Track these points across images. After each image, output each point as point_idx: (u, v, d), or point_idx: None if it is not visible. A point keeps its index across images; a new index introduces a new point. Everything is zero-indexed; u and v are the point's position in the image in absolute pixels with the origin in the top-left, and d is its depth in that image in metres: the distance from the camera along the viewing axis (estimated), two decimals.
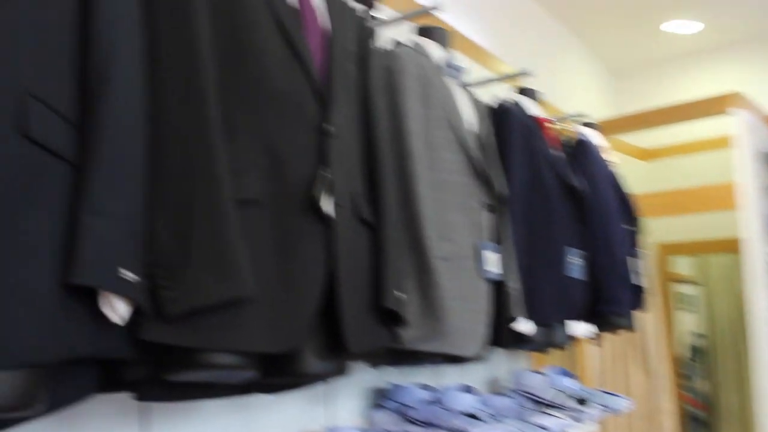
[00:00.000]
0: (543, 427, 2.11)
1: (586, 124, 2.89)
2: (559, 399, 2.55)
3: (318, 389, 1.83)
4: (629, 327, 2.60)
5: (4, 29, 0.81)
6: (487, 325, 1.76)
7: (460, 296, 1.71)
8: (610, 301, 2.47)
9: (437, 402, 2.05)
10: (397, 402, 2.02)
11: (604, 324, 2.56)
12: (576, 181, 2.35)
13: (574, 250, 2.26)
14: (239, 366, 1.11)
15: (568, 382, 2.74)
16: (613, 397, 2.71)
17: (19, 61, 0.83)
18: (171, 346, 1.06)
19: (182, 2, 1.16)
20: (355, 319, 1.26)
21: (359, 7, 1.58)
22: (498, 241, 1.86)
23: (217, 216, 1.08)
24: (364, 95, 1.48)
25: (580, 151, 2.64)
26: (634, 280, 2.67)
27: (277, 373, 1.21)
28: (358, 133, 1.43)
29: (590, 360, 3.45)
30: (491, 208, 1.84)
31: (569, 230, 2.29)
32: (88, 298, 0.87)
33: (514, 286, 1.96)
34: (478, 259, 1.78)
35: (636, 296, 2.72)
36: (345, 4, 1.54)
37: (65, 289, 0.83)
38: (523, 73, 2.45)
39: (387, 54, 1.75)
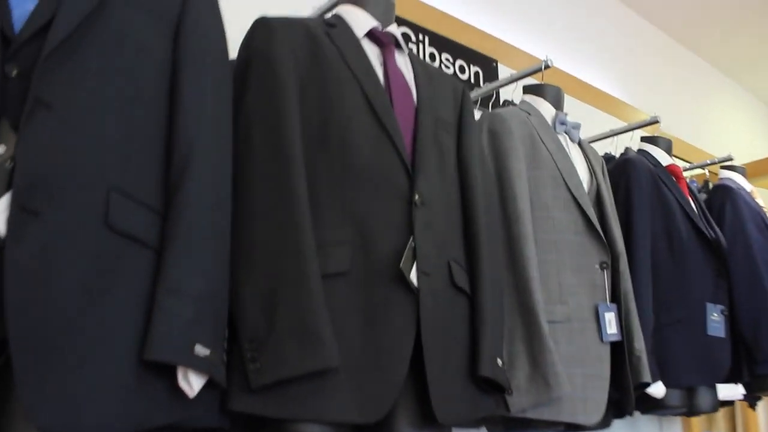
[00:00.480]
0: None
1: (730, 168, 2.70)
2: None
3: None
4: None
5: (93, 127, 0.91)
6: (607, 391, 1.66)
7: (575, 361, 1.64)
8: (765, 361, 2.26)
9: None
10: None
11: (760, 386, 2.34)
12: (710, 231, 2.19)
13: (717, 306, 2.10)
14: None
15: None
16: None
17: (106, 156, 0.92)
18: (263, 417, 1.10)
19: (271, 84, 1.24)
20: (445, 388, 1.24)
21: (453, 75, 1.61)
22: (618, 301, 1.76)
23: (302, 290, 1.12)
24: (462, 162, 1.48)
25: (720, 198, 2.46)
26: None
27: None
28: (454, 201, 1.43)
29: (755, 424, 3.15)
30: (609, 267, 1.75)
31: (709, 284, 2.13)
32: (167, 372, 0.94)
33: (639, 347, 1.84)
34: (597, 321, 1.70)
35: None
36: (440, 72, 1.57)
37: (143, 364, 0.90)
38: (653, 121, 2.35)
39: (491, 116, 1.75)
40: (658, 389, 1.97)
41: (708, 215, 2.28)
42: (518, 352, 1.58)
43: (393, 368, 1.19)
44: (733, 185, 2.58)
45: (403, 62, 1.47)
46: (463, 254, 1.42)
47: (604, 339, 1.69)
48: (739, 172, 2.74)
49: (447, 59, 2.27)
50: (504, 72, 2.45)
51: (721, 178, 2.74)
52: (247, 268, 1.15)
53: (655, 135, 2.34)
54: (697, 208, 2.27)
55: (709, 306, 2.10)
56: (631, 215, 2.08)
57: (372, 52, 1.42)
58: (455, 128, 1.51)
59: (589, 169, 1.87)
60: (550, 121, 1.86)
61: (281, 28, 1.32)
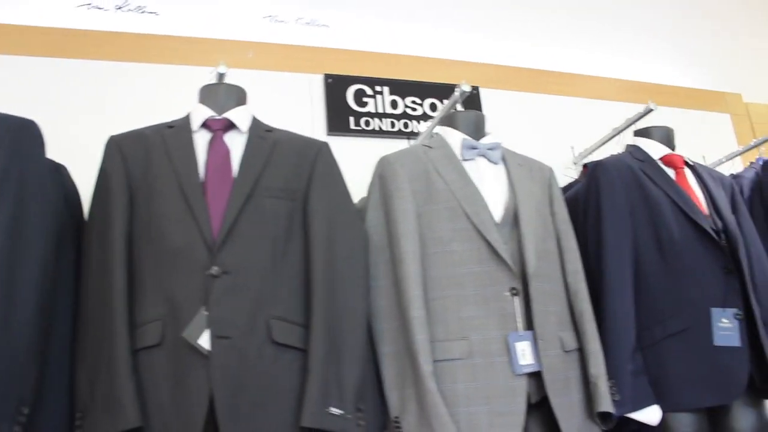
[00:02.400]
0: None
1: None
2: None
3: None
4: None
5: None
6: (522, 426, 1.56)
7: (478, 398, 1.57)
8: None
9: None
10: None
11: None
12: (716, 222, 1.90)
13: (727, 311, 1.82)
14: None
15: None
16: None
17: None
18: None
19: (104, 194, 1.50)
20: None
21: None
22: (531, 325, 1.64)
23: (111, 368, 1.35)
24: (305, 220, 1.57)
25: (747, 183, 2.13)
26: None
27: None
28: (290, 262, 1.52)
29: None
30: (521, 293, 1.65)
31: (718, 286, 1.85)
32: None
33: (595, 372, 1.69)
34: (508, 354, 1.61)
35: None
36: (291, 138, 1.68)
37: None
38: (647, 111, 2.12)
39: (380, 161, 1.78)
40: (649, 415, 1.76)
41: (719, 203, 1.97)
42: (409, 395, 1.57)
43: (190, 426, 1.32)
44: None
45: (240, 142, 1.61)
46: (303, 311, 1.50)
47: (516, 371, 1.59)
48: None
49: (413, 102, 2.30)
50: (486, 96, 2.40)
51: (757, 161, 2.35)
52: (79, 351, 1.42)
53: (650, 126, 2.11)
54: (706, 196, 1.99)
55: (716, 311, 1.81)
56: (601, 225, 1.91)
57: (203, 140, 1.60)
58: (301, 192, 1.59)
59: (510, 189, 1.78)
60: (457, 150, 1.81)
61: (123, 141, 1.57)
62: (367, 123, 2.21)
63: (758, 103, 2.92)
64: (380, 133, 2.22)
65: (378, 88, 2.27)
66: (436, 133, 1.90)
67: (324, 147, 1.69)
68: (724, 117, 2.79)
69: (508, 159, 1.85)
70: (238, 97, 1.72)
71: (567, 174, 2.16)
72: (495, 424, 1.55)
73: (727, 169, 2.47)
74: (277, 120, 2.08)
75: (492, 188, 1.77)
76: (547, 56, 2.60)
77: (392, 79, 2.30)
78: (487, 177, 1.78)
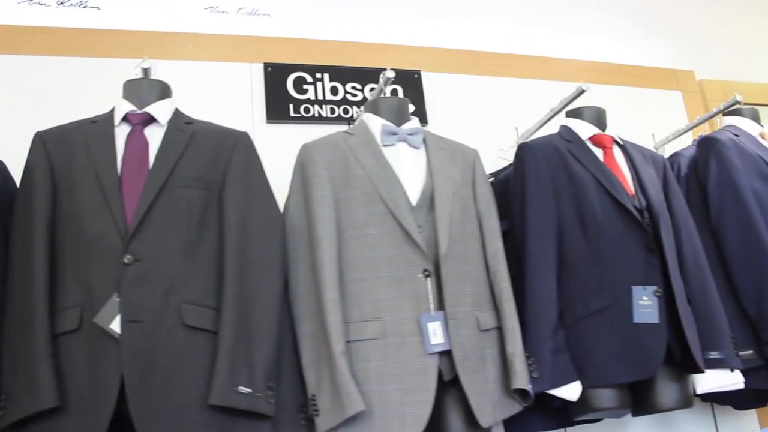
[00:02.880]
0: None
1: (734, 112, 2.32)
2: None
3: None
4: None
5: None
6: (432, 403, 1.62)
7: (390, 377, 1.63)
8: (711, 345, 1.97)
9: None
10: None
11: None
12: (639, 202, 1.94)
13: (647, 288, 1.86)
14: None
15: None
16: None
17: None
18: None
19: (28, 188, 1.58)
20: (162, 420, 1.42)
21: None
22: (443, 306, 1.69)
23: (30, 351, 1.44)
24: (220, 210, 1.64)
25: (704, 154, 2.22)
26: None
27: None
28: (204, 249, 1.58)
29: None
30: (433, 274, 1.70)
31: (639, 264, 1.89)
32: None
33: (512, 350, 1.75)
34: (420, 333, 1.66)
35: None
36: (209, 130, 1.73)
37: None
38: (579, 93, 2.15)
39: (301, 148, 1.83)
40: (568, 391, 1.82)
41: (645, 181, 2.01)
42: (324, 374, 1.63)
43: (102, 406, 1.40)
44: (722, 135, 2.24)
45: (159, 134, 1.68)
46: (216, 295, 1.56)
47: (428, 350, 1.65)
48: (747, 115, 2.34)
49: (353, 87, 2.34)
50: (429, 80, 2.44)
51: (724, 127, 2.36)
52: (3, 336, 1.51)
53: (582, 106, 2.14)
54: (633, 175, 2.02)
55: (636, 289, 1.86)
56: (525, 207, 1.96)
57: (123, 133, 1.66)
58: (218, 181, 1.66)
59: (428, 173, 1.83)
60: (378, 136, 1.86)
61: (48, 136, 1.65)
62: (307, 110, 2.26)
63: (712, 80, 2.92)
64: (320, 119, 2.26)
65: (318, 75, 2.31)
66: (360, 119, 1.94)
67: (242, 137, 1.75)
68: (675, 94, 2.80)
69: (430, 143, 1.89)
70: (161, 90, 1.77)
71: (503, 156, 2.19)
72: (406, 401, 1.61)
73: (676, 147, 2.49)
74: (218, 110, 2.15)
75: (410, 172, 1.82)
76: (491, 38, 2.63)
77: (332, 66, 2.34)
78: (405, 162, 1.83)
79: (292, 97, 2.26)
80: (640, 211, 1.94)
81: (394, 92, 2.38)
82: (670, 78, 2.83)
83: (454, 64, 2.50)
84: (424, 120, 2.39)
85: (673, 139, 2.58)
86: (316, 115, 2.27)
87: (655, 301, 1.85)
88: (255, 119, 2.20)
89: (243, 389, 1.48)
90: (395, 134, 1.86)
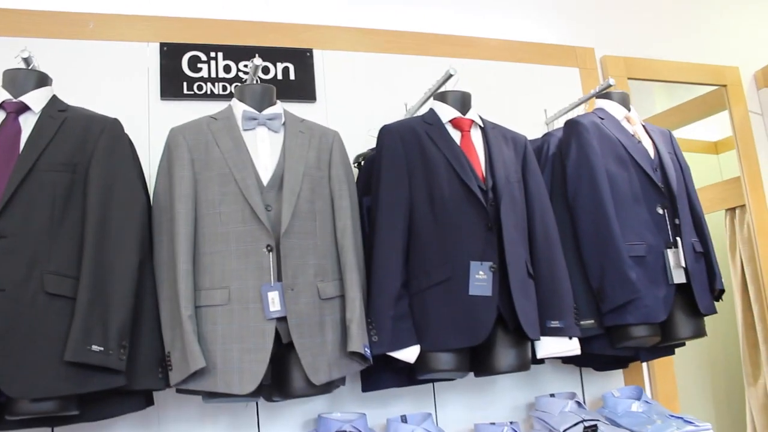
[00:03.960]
0: None
1: (605, 95, 2.47)
2: (564, 425, 2.29)
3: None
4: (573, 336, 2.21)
5: None
6: (267, 362, 1.84)
7: (233, 338, 1.85)
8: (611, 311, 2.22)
9: None
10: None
11: (618, 338, 2.28)
12: (476, 183, 2.11)
13: (484, 264, 2.05)
14: None
15: (616, 407, 2.41)
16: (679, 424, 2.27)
17: None
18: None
19: None
20: (18, 372, 1.65)
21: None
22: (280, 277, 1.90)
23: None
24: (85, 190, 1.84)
25: (566, 136, 2.40)
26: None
27: None
28: (68, 223, 1.79)
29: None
30: (274, 249, 1.90)
31: (479, 241, 2.08)
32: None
33: (350, 317, 1.95)
34: (261, 301, 1.88)
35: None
36: (83, 116, 1.91)
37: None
38: (447, 77, 2.30)
39: (169, 133, 2.01)
40: (406, 354, 2.03)
41: (496, 163, 2.18)
42: (177, 334, 1.84)
43: None
44: (585, 119, 2.39)
45: (31, 122, 1.86)
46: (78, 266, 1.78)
47: (267, 316, 1.87)
48: (616, 99, 2.49)
49: (246, 66, 2.49)
50: (321, 58, 2.59)
51: (594, 110, 2.51)
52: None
53: (448, 89, 2.29)
54: (486, 157, 2.19)
55: (474, 264, 2.05)
56: (378, 186, 2.14)
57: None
58: (84, 165, 1.85)
59: (282, 155, 2.01)
60: (239, 121, 2.04)
61: None
62: (200, 87, 2.42)
63: (614, 56, 3.03)
64: (213, 96, 2.43)
65: (212, 54, 2.47)
66: (229, 105, 2.11)
67: (109, 124, 1.93)
68: (573, 71, 2.92)
69: (289, 127, 2.07)
70: (38, 80, 1.94)
71: (373, 135, 2.33)
72: (245, 360, 1.84)
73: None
74: (116, 88, 2.32)
75: (265, 155, 2.00)
76: (384, 16, 2.73)
77: (226, 45, 2.48)
78: (262, 145, 2.01)
79: (187, 76, 2.42)
80: (485, 192, 2.12)
81: (285, 71, 2.53)
82: (570, 55, 2.94)
83: (347, 41, 2.63)
84: (313, 98, 2.54)
85: (559, 116, 2.72)
86: (209, 92, 2.43)
87: (490, 275, 2.05)
88: (150, 97, 2.37)
89: (95, 348, 1.71)
90: (255, 119, 2.04)
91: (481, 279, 2.05)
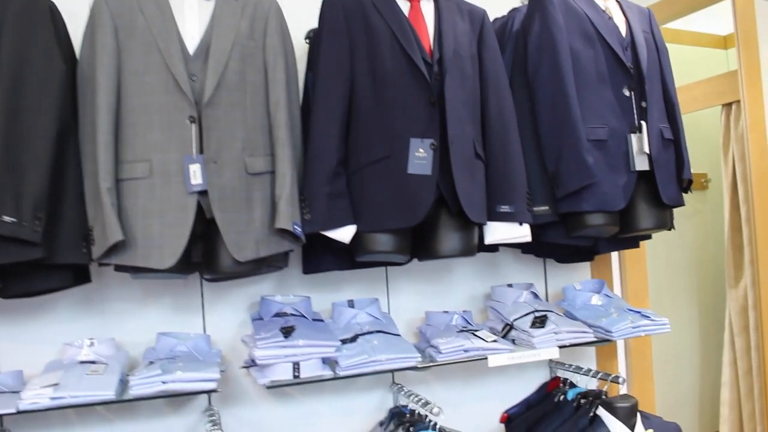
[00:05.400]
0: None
1: None
2: (515, 315, 2.24)
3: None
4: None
5: None
6: (187, 238, 1.78)
7: (154, 212, 1.79)
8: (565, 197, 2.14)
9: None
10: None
11: (573, 227, 2.21)
12: (421, 56, 1.98)
13: (425, 141, 1.95)
14: None
15: (575, 299, 2.35)
16: (636, 318, 2.21)
17: None
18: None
19: None
20: None
21: None
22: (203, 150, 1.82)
23: None
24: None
25: (530, 11, 2.26)
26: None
27: None
28: None
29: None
30: (197, 120, 1.81)
31: (420, 117, 1.97)
32: None
33: (279, 193, 1.88)
34: (183, 174, 1.80)
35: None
36: None
37: None
38: None
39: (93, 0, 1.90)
40: (341, 233, 1.97)
41: (445, 36, 2.04)
42: (98, 209, 1.79)
43: None
44: None
45: None
46: None
47: (188, 190, 1.80)
48: None
49: None
50: None
51: None
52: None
53: None
54: (436, 29, 2.05)
55: (414, 141, 1.95)
56: (318, 59, 2.03)
57: None
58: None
59: (210, 24, 1.89)
60: None
61: None
62: None
63: None
64: None
65: None
66: None
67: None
68: None
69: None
70: None
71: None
72: (165, 234, 1.79)
73: None
74: None
75: (192, 24, 1.89)
76: None
77: None
78: (189, 12, 1.90)
79: None
80: (429, 65, 1.99)
81: None
82: None
83: None
84: None
85: None
86: None
87: (431, 153, 1.95)
88: None
89: (7, 218, 1.66)
90: None
91: (420, 157, 1.95)
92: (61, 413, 2.10)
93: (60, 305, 2.12)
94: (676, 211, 2.34)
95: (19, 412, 1.75)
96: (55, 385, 1.79)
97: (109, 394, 1.78)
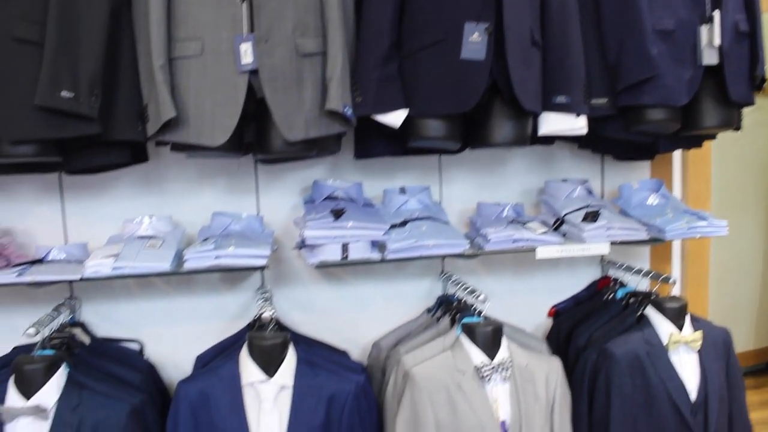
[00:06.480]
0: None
1: None
2: (567, 209, 2.22)
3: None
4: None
5: None
6: (238, 116, 1.80)
7: (206, 91, 1.82)
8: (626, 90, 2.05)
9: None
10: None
11: (632, 121, 2.12)
12: None
13: (479, 25, 1.89)
14: None
15: (630, 197, 2.30)
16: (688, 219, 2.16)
17: None
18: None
19: None
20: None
21: None
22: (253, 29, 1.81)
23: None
24: None
25: None
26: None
27: None
28: None
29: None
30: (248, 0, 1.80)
31: (474, 0, 1.89)
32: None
33: (330, 75, 1.87)
34: (234, 54, 1.81)
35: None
36: None
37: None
38: None
39: None
40: (392, 118, 1.96)
41: None
42: (152, 87, 1.82)
43: None
44: None
45: None
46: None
47: (239, 69, 1.81)
48: None
49: None
50: None
51: None
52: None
53: None
54: None
55: (469, 26, 1.89)
56: None
57: None
58: None
59: None
60: None
61: None
62: None
63: None
64: None
65: None
66: None
67: None
68: None
69: None
70: None
71: None
72: (216, 112, 1.82)
73: None
74: None
75: None
76: None
77: None
78: None
79: None
80: None
81: None
82: None
83: None
84: None
85: None
86: None
87: (485, 38, 1.89)
88: None
89: (65, 94, 1.71)
90: None
91: (474, 41, 1.89)
92: (124, 285, 2.23)
93: (121, 184, 2.21)
94: (749, 117, 2.22)
95: (82, 279, 1.85)
96: (116, 255, 1.88)
97: (165, 266, 1.87)
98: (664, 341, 2.08)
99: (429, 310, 2.36)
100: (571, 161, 2.53)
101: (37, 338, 1.81)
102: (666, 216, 2.24)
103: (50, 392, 1.77)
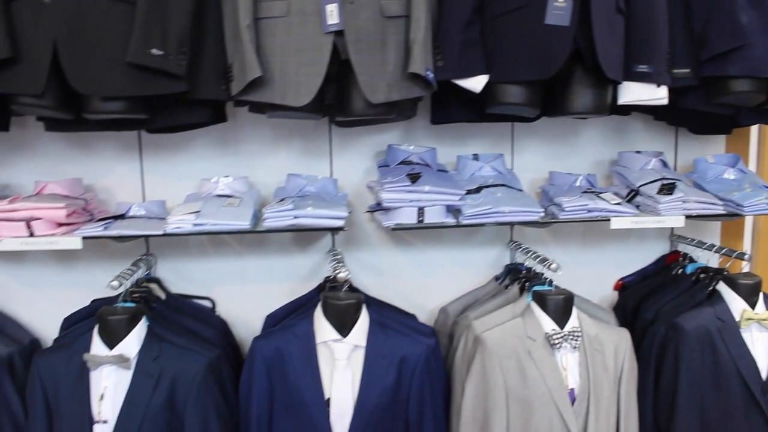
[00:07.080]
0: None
1: None
2: (641, 181, 2.19)
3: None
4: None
5: None
6: (323, 77, 1.81)
7: (291, 51, 1.83)
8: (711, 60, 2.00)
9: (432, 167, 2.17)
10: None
11: (716, 93, 2.06)
12: None
13: None
14: None
15: (706, 171, 2.26)
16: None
17: None
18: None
19: None
20: (89, 71, 1.73)
21: None
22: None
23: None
24: None
25: None
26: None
27: None
28: None
29: None
30: None
31: None
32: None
33: (413, 37, 1.86)
34: (320, 14, 1.81)
35: None
36: None
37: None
38: None
39: None
40: (473, 83, 1.95)
41: None
42: (237, 47, 1.84)
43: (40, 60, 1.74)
44: None
45: None
46: None
47: (324, 30, 1.82)
48: None
49: None
50: None
51: None
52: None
53: None
54: None
55: None
56: None
57: None
58: None
59: None
60: None
61: None
62: None
63: None
64: None
65: None
66: None
67: None
68: None
69: None
70: None
71: None
72: (301, 73, 1.83)
73: None
74: None
75: None
76: None
77: None
78: None
79: None
80: None
81: None
82: None
83: None
84: None
85: None
86: None
87: (570, 3, 1.86)
88: None
89: (155, 51, 1.74)
90: None
91: (559, 7, 1.87)
92: (199, 243, 2.28)
93: (197, 144, 2.24)
94: None
95: (164, 235, 1.90)
96: (197, 212, 1.92)
97: (245, 224, 1.90)
98: (736, 318, 2.05)
99: (497, 278, 2.36)
100: (644, 133, 2.49)
101: (120, 290, 1.87)
102: (744, 191, 2.20)
103: (132, 343, 1.83)
